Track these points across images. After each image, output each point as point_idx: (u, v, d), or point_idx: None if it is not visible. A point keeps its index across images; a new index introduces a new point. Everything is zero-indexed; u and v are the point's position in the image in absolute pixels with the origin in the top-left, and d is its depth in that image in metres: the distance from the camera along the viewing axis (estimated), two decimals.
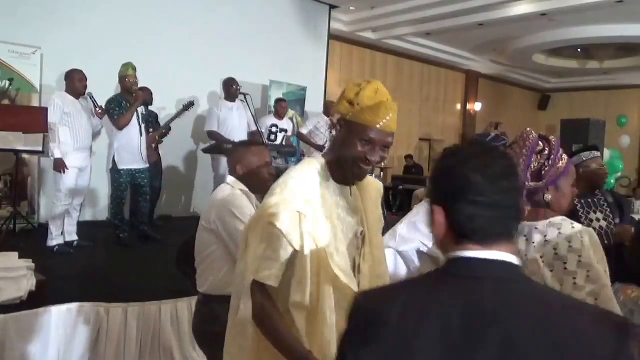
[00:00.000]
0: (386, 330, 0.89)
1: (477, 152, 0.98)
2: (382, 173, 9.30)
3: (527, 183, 1.64)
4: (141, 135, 5.07)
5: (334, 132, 6.06)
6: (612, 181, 7.54)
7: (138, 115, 5.05)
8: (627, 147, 12.44)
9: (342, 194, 1.59)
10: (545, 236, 1.61)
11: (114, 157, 5.01)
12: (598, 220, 2.81)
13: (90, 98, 4.88)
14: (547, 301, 0.90)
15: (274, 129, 6.75)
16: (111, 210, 5.19)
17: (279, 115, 6.78)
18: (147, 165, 5.21)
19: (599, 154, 3.06)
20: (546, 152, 1.66)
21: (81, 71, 4.82)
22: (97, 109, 4.88)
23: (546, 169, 1.65)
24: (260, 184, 2.29)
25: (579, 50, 11.28)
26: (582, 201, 2.83)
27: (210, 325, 2.18)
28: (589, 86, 13.69)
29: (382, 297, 0.97)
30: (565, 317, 0.86)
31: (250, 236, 1.53)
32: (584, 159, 2.94)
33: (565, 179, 1.68)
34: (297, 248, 1.43)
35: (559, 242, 1.58)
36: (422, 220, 2.28)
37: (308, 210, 1.44)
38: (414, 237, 2.31)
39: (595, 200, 2.90)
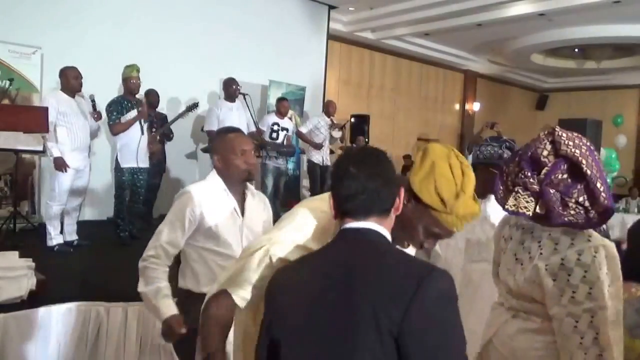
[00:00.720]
0: (280, 291, 1.23)
1: (356, 150, 1.30)
2: None
3: (599, 184, 1.48)
4: (142, 134, 5.06)
5: (333, 133, 6.04)
6: (609, 181, 7.55)
7: None
8: (623, 147, 12.48)
9: None
10: (556, 244, 1.54)
11: (117, 155, 5.04)
12: None
13: (92, 101, 4.87)
14: (385, 255, 1.16)
15: (275, 127, 6.77)
16: (114, 209, 5.21)
17: (281, 113, 6.79)
18: (147, 166, 5.22)
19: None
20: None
21: (75, 68, 4.74)
22: (94, 113, 4.87)
23: None
24: (238, 174, 2.17)
25: (577, 50, 11.31)
26: None
27: None
28: (586, 86, 13.73)
29: (287, 270, 1.27)
30: (393, 265, 1.12)
31: (245, 253, 1.50)
32: None
33: None
34: None
35: (568, 254, 1.50)
36: None
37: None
38: None
39: None
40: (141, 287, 2.08)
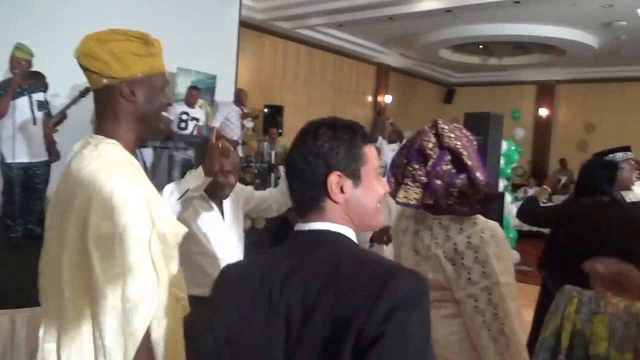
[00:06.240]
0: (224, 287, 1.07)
1: (303, 133, 1.05)
2: None
3: (479, 173, 1.60)
4: (35, 124, 4.62)
5: (245, 123, 5.88)
6: (509, 171, 8.02)
7: (31, 102, 4.60)
8: (520, 138, 13.33)
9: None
10: (447, 232, 1.63)
11: (0, 149, 4.55)
12: None
13: None
14: (339, 257, 0.98)
15: (184, 117, 6.49)
16: (2, 208, 4.70)
17: (190, 103, 6.52)
18: (45, 159, 4.77)
19: (631, 154, 2.96)
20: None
21: None
22: None
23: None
24: None
25: (481, 47, 11.86)
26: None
27: None
28: (489, 81, 14.48)
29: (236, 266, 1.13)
30: (351, 269, 0.95)
31: None
32: (618, 159, 2.88)
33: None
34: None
35: (459, 239, 1.60)
36: None
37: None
38: None
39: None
40: None
